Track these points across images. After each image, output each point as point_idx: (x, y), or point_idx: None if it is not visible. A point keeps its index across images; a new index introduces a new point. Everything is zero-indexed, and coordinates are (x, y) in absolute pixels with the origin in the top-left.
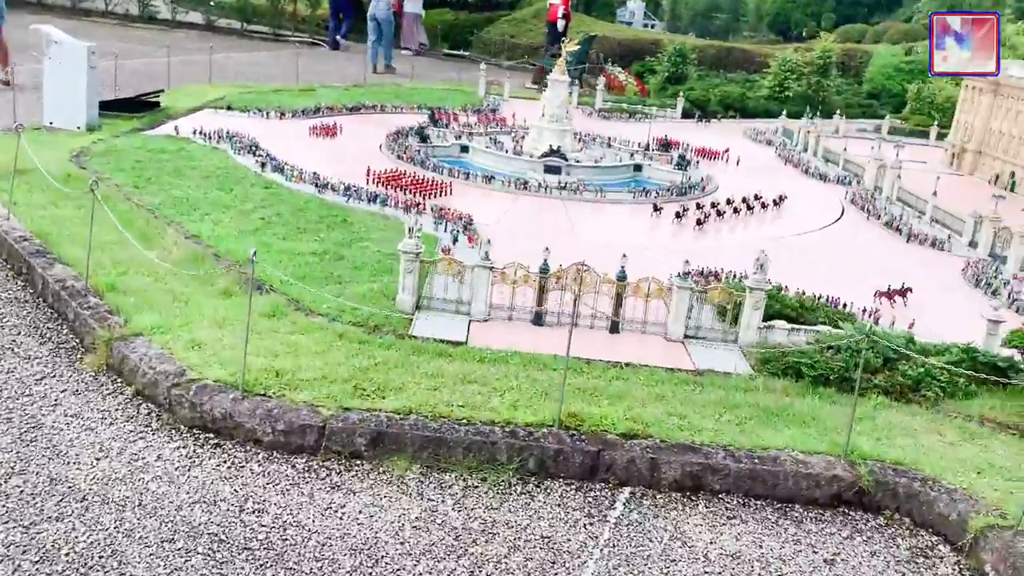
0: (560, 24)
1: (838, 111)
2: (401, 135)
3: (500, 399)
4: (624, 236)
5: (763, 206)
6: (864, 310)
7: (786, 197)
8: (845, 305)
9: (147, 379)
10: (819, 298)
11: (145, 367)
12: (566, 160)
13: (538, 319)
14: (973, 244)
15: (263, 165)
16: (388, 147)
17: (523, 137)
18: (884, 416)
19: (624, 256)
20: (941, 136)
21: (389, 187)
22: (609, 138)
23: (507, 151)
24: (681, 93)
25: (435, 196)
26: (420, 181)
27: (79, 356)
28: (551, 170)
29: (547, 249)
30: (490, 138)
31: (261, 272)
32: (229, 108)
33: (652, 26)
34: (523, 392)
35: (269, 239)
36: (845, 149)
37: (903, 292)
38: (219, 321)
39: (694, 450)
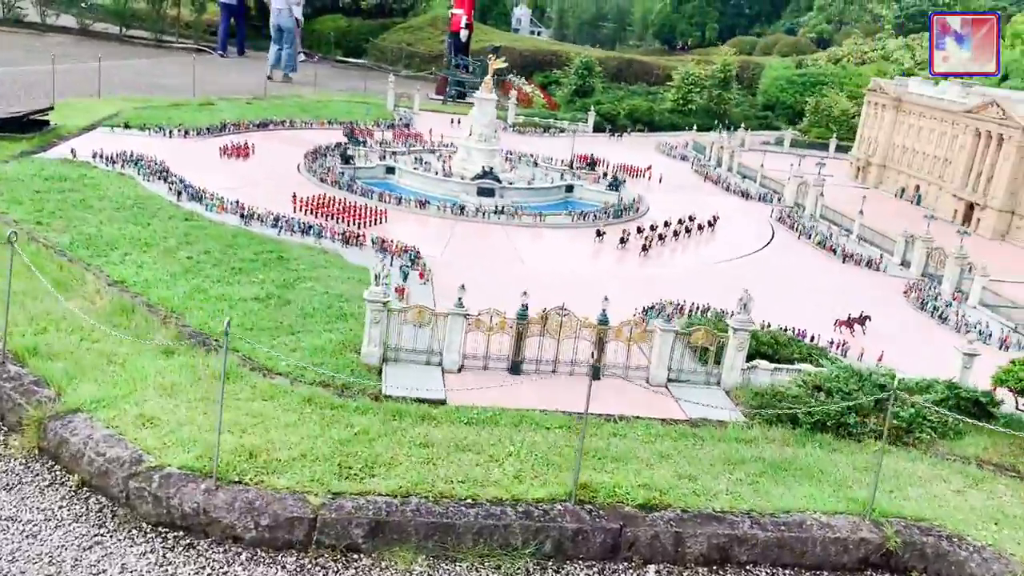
0: (463, 34)
1: (743, 124)
2: (319, 154)
3: (501, 469)
4: (572, 264)
5: (699, 228)
6: (832, 342)
7: (719, 218)
8: (813, 338)
9: (96, 467)
10: (785, 330)
11: (91, 453)
12: (499, 182)
13: (516, 368)
14: (905, 264)
15: (179, 194)
16: (308, 168)
17: (450, 157)
18: (887, 464)
19: (606, 299)
20: (840, 148)
21: (320, 215)
22: (533, 156)
23: (436, 173)
24: (592, 107)
25: (370, 224)
26: (352, 208)
27: (1, 439)
28: (485, 193)
29: (525, 293)
30: (415, 158)
31: (202, 324)
32: (126, 126)
33: (538, 33)
34: (523, 459)
35: (202, 283)
36: (763, 165)
37: (861, 320)
38: (167, 388)
39: (718, 520)
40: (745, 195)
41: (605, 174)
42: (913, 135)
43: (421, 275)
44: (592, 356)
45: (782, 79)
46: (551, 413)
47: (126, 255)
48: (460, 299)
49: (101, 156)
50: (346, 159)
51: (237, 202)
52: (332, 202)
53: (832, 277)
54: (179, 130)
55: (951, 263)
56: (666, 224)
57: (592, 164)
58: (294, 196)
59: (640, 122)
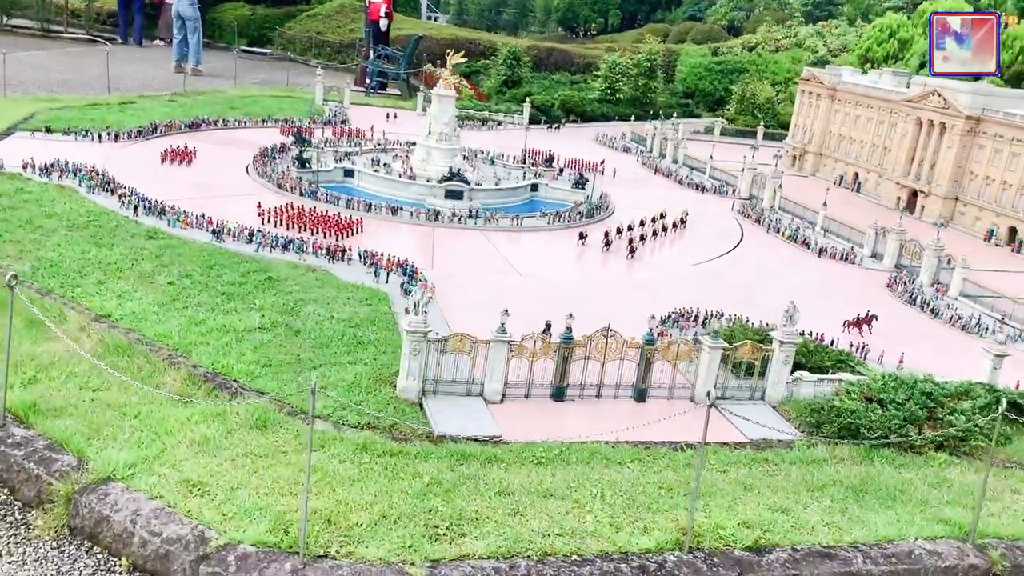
0: (383, 23)
1: (674, 114)
2: (267, 157)
3: (593, 516)
4: (566, 271)
5: (673, 226)
6: (852, 345)
7: (688, 215)
8: (833, 341)
9: (151, 550)
10: (802, 334)
11: (143, 532)
12: (468, 184)
13: (559, 394)
14: (877, 256)
15: (135, 208)
16: (260, 173)
17: (407, 157)
18: (953, 476)
19: (653, 318)
20: (769, 136)
21: (291, 227)
22: (486, 153)
23: (398, 175)
24: (528, 99)
25: (347, 235)
26: (324, 218)
27: (19, 517)
28: (453, 195)
29: (571, 315)
30: (372, 159)
31: (215, 363)
32: (48, 130)
33: (436, 18)
34: (610, 502)
35: (196, 313)
36: (712, 156)
37: (869, 320)
38: (200, 444)
39: (830, 556)
40: (700, 188)
41: (561, 170)
42: (850, 124)
43: (427, 290)
44: (639, 377)
45: (700, 67)
46: (619, 447)
47: (100, 283)
48: (503, 324)
49: (32, 166)
50: (302, 163)
51: (204, 216)
52: (301, 212)
53: (812, 273)
54: (108, 133)
55: (928, 254)
56: (641, 224)
57: (549, 161)
58: (259, 206)
59: (572, 113)
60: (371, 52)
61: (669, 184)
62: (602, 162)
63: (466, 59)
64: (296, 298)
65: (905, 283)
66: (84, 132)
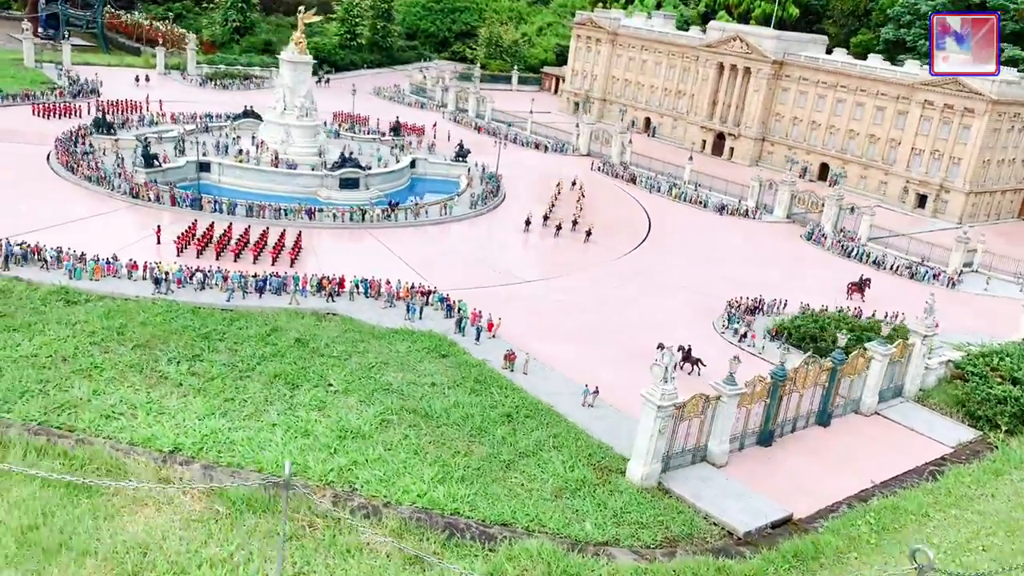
0: None
1: (424, 58)
2: (67, 150)
3: None
4: (546, 266)
5: (579, 200)
6: (874, 315)
7: (582, 183)
8: (861, 313)
9: None
10: (841, 311)
11: None
12: (364, 169)
13: (768, 437)
14: (768, 208)
15: (5, 260)
16: (85, 176)
17: (262, 142)
18: None
19: (844, 334)
20: (523, 80)
21: (225, 256)
22: (335, 127)
23: (270, 164)
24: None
25: (295, 258)
26: (260, 240)
27: None
28: (348, 184)
29: (787, 348)
30: (218, 147)
31: (409, 495)
32: None
33: None
34: None
35: (279, 414)
36: (532, 112)
37: (865, 283)
38: None
39: None
40: (542, 148)
41: (400, 141)
42: (636, 69)
43: (491, 327)
44: (825, 400)
45: (417, 6)
46: (897, 492)
47: (94, 394)
48: (732, 375)
49: None
50: (149, 160)
51: (113, 259)
52: (225, 235)
53: (736, 235)
54: None
55: (830, 204)
56: (556, 197)
57: (396, 129)
58: (158, 230)
59: (326, 63)
60: None
61: (509, 145)
62: (434, 125)
63: (320, 17)
64: (367, 362)
65: (838, 238)
66: None
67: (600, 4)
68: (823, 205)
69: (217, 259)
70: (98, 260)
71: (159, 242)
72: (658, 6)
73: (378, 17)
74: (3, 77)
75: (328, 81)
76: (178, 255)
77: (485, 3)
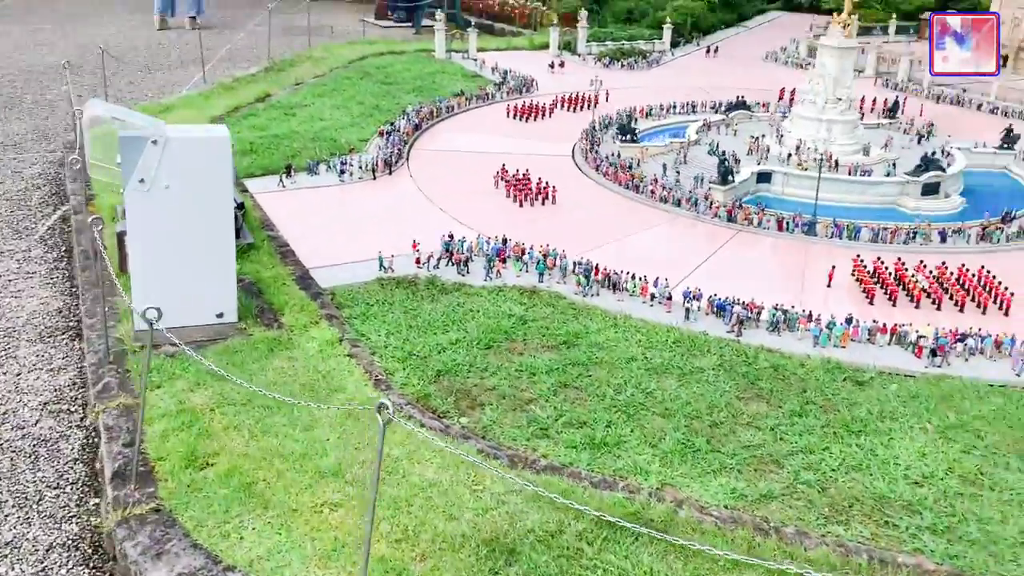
0: None
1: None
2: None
3: None
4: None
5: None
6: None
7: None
8: None
9: None
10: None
11: None
12: (944, 171)
13: None
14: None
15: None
16: (660, 199)
17: (800, 143)
18: None
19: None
20: (900, 31)
21: (902, 302)
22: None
23: (848, 170)
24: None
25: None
26: (960, 279)
27: None
28: (929, 191)
29: None
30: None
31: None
32: (288, 172)
33: None
34: None
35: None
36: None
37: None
38: None
39: None
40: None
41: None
42: None
43: None
44: None
45: None
46: None
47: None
48: None
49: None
50: (725, 175)
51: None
52: (883, 268)
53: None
54: (355, 162)
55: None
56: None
57: (893, 110)
58: (832, 271)
59: (694, 29)
60: None
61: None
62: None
63: None
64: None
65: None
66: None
67: None
68: None
69: (894, 305)
70: (848, 322)
71: (829, 285)
72: None
73: None
74: (442, 74)
75: (717, 50)
76: (870, 303)
77: None
